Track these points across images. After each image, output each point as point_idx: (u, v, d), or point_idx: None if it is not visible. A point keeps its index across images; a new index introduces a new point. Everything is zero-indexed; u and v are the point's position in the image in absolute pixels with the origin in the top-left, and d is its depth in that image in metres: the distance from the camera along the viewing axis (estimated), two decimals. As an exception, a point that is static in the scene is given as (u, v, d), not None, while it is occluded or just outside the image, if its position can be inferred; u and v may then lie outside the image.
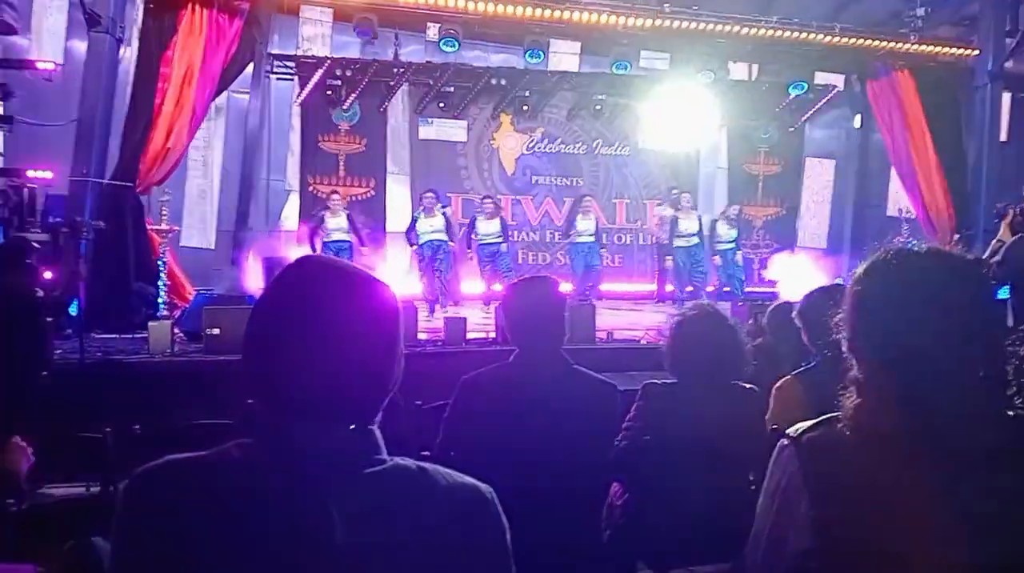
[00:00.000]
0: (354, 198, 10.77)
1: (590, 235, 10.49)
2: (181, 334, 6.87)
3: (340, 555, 1.09)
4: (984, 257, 5.93)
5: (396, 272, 10.86)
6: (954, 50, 11.23)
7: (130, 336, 7.07)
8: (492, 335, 7.14)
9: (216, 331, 6.12)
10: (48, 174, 7.79)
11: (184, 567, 1.08)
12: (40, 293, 5.81)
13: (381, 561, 1.10)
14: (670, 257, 10.83)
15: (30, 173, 7.46)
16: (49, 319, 5.93)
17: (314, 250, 9.42)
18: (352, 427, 1.14)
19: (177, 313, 7.48)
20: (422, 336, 7.25)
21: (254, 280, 7.98)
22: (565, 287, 3.09)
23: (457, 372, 2.68)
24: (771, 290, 10.92)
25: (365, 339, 1.16)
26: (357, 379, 1.15)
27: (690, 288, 10.41)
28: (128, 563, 1.12)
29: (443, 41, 10.13)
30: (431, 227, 9.85)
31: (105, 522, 1.15)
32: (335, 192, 10.16)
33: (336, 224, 9.67)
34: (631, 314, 9.98)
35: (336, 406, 1.13)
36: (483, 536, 1.18)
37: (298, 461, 1.11)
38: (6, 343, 5.20)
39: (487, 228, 10.07)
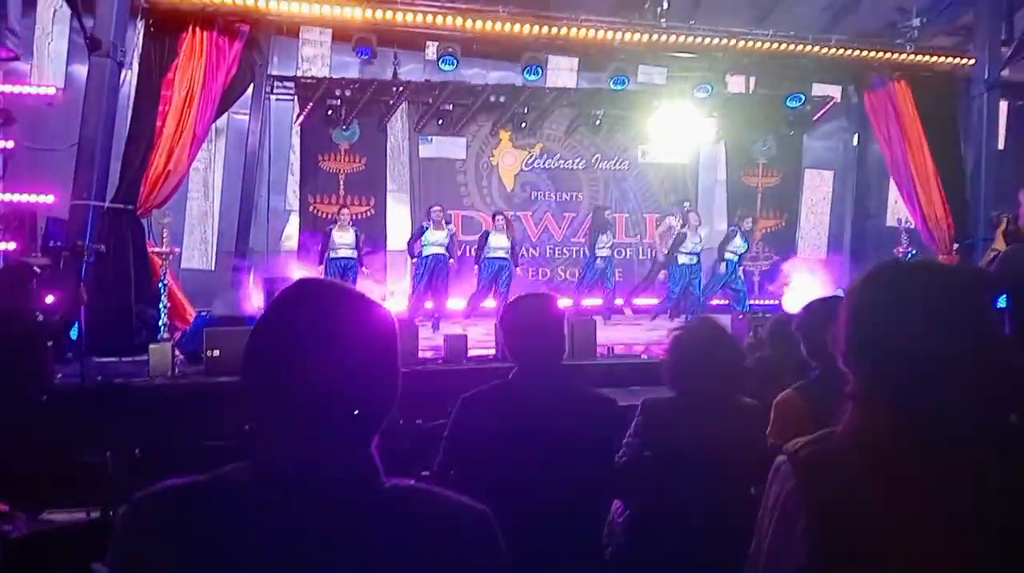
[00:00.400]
0: (355, 217, 10.78)
1: (609, 250, 10.90)
2: (182, 356, 6.86)
3: None
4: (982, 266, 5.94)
5: (398, 291, 10.90)
6: (950, 59, 11.26)
7: (131, 359, 7.06)
8: (493, 352, 7.13)
9: (217, 353, 6.11)
10: (50, 198, 7.83)
11: None
12: (40, 317, 5.81)
13: None
14: (667, 269, 10.86)
15: (32, 197, 7.50)
16: (49, 343, 5.93)
17: (322, 262, 9.50)
18: (351, 448, 1.14)
19: (178, 335, 7.47)
20: (423, 354, 7.24)
21: (255, 301, 7.98)
22: (564, 302, 3.09)
23: (458, 390, 2.66)
24: (771, 303, 10.94)
25: (363, 360, 1.16)
26: (356, 400, 1.15)
27: (686, 302, 10.43)
28: None
29: (441, 59, 10.19)
30: (436, 240, 9.96)
31: (105, 548, 1.15)
32: (344, 207, 10.25)
33: (343, 240, 9.75)
34: (631, 329, 9.96)
35: (335, 428, 1.13)
36: (481, 558, 1.18)
37: (296, 484, 1.11)
38: (6, 367, 5.19)
39: (498, 242, 10.19)
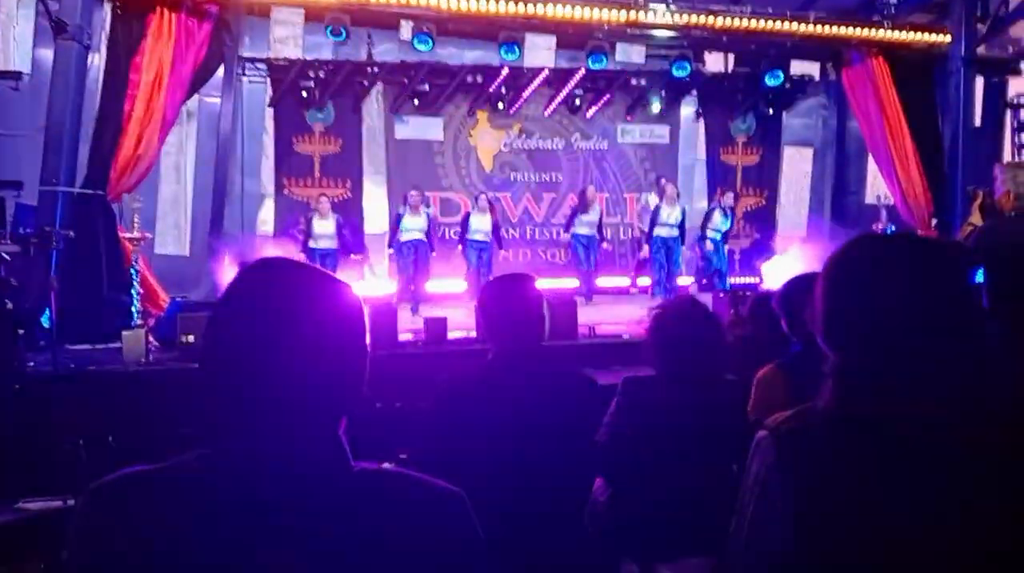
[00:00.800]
0: (332, 200, 10.67)
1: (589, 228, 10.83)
2: (156, 343, 6.76)
3: (306, 565, 1.05)
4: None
5: (377, 274, 10.83)
6: (927, 36, 11.29)
7: (104, 346, 6.96)
8: (474, 334, 7.09)
9: (191, 338, 6.04)
10: (17, 184, 7.65)
11: None
12: (10, 305, 5.70)
13: (350, 569, 1.07)
14: (647, 248, 10.86)
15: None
16: (20, 331, 5.83)
17: (304, 249, 9.40)
18: (315, 433, 1.10)
19: (151, 321, 7.37)
20: (404, 337, 7.19)
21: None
22: (544, 283, 3.05)
23: (438, 373, 2.63)
24: (752, 281, 10.98)
25: (326, 341, 1.12)
26: (320, 381, 1.11)
27: (666, 281, 10.41)
28: None
29: (416, 39, 10.06)
30: (414, 226, 9.91)
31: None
32: (323, 195, 10.14)
33: (323, 229, 9.65)
34: (612, 308, 9.96)
35: (299, 411, 1.09)
36: (455, 541, 1.14)
37: (259, 470, 1.07)
38: None
39: (479, 224, 10.14)
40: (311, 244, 9.57)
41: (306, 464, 1.09)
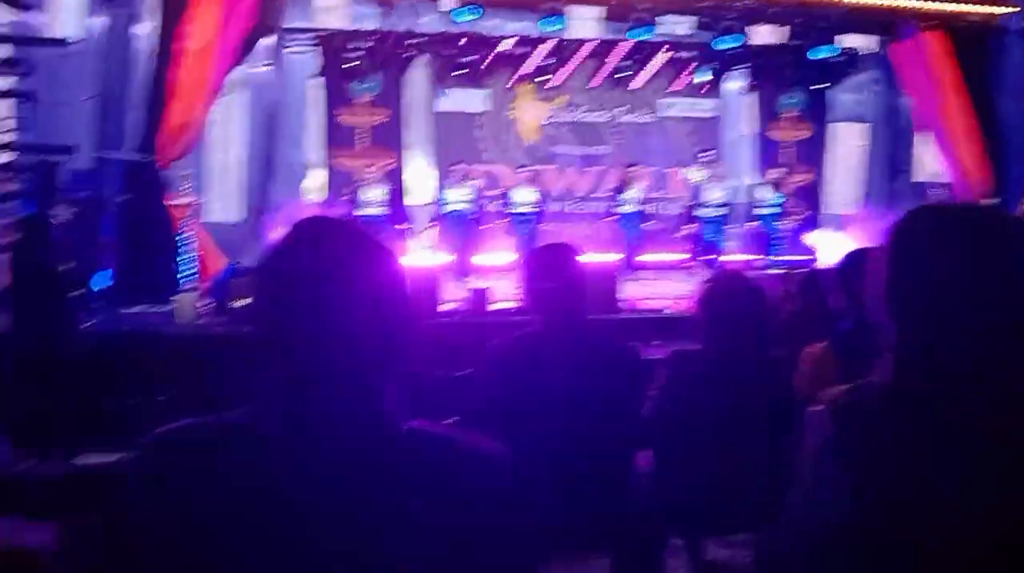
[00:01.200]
0: (377, 170, 10.72)
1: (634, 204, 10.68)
2: (208, 306, 6.93)
3: (351, 522, 1.08)
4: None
5: (421, 245, 10.90)
6: (984, 8, 10.89)
7: (156, 309, 7.14)
8: (517, 305, 7.09)
9: (243, 302, 6.19)
10: (70, 151, 7.84)
11: (192, 532, 1.08)
12: (64, 268, 5.86)
13: (395, 528, 1.09)
14: (693, 224, 10.74)
15: (51, 150, 7.50)
16: (74, 294, 6.00)
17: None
18: (364, 393, 1.12)
19: (202, 286, 7.54)
20: (446, 307, 7.22)
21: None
22: (588, 257, 3.04)
23: (482, 342, 2.65)
24: (803, 257, 10.80)
25: (380, 302, 1.13)
26: (371, 342, 1.12)
27: (712, 256, 10.33)
28: (139, 526, 1.13)
29: (460, 10, 9.99)
30: (458, 198, 9.95)
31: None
32: (369, 165, 10.21)
33: (370, 198, 9.73)
34: (656, 284, 9.88)
35: (349, 372, 1.11)
36: (500, 502, 1.16)
37: (308, 427, 1.10)
38: (32, 318, 5.26)
39: (524, 197, 10.14)
40: (357, 213, 9.66)
41: (355, 423, 1.11)
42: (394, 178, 11.25)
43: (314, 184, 11.35)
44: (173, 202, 8.24)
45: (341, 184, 10.77)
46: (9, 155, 7.07)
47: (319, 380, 1.10)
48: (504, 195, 10.51)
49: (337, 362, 1.10)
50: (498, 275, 9.91)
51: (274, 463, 1.08)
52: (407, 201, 11.35)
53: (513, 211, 10.25)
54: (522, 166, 10.93)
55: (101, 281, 6.50)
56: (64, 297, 5.88)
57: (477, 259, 10.42)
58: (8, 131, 7.26)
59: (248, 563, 1.08)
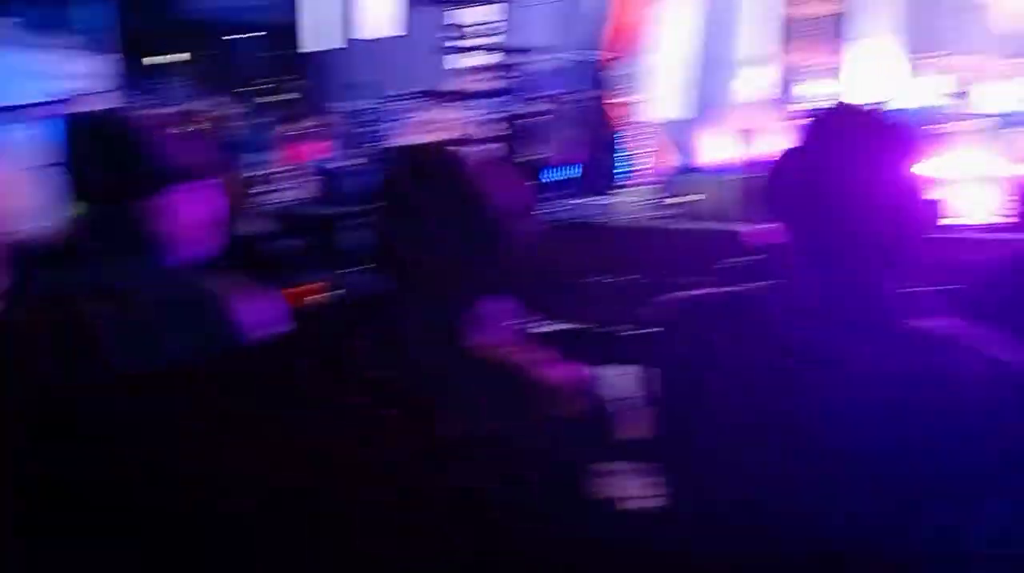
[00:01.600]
0: (827, 67, 9.94)
1: None
2: (658, 200, 7.21)
3: (849, 408, 1.14)
4: None
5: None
6: None
7: (606, 201, 7.62)
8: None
9: (696, 198, 6.36)
10: (527, 51, 8.64)
11: (713, 389, 1.22)
12: (531, 157, 6.61)
13: (887, 419, 1.15)
14: None
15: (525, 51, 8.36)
16: (537, 182, 6.76)
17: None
18: (873, 283, 1.20)
19: (651, 181, 7.83)
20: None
21: (726, 152, 8.03)
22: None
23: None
24: None
25: (893, 193, 1.20)
26: (884, 233, 1.20)
27: None
28: (663, 381, 1.31)
29: None
30: (930, 94, 8.81)
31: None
32: (814, 61, 9.59)
33: (816, 93, 9.19)
34: None
35: (860, 260, 1.20)
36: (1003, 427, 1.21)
37: (834, 306, 1.18)
38: (495, 211, 6.08)
39: (1008, 94, 8.68)
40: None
41: (865, 309, 1.19)
42: (844, 72, 10.35)
43: (764, 80, 10.93)
44: (621, 99, 8.60)
45: (790, 80, 10.25)
46: (497, 56, 8.13)
47: (837, 267, 1.20)
48: (977, 92, 8.96)
49: (860, 246, 1.20)
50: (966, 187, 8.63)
51: (784, 338, 1.18)
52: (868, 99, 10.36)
53: (992, 112, 8.73)
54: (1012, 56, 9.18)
55: (566, 173, 7.26)
56: (529, 184, 6.63)
57: (941, 167, 9.14)
58: (497, 34, 8.21)
59: (785, 410, 1.20)
